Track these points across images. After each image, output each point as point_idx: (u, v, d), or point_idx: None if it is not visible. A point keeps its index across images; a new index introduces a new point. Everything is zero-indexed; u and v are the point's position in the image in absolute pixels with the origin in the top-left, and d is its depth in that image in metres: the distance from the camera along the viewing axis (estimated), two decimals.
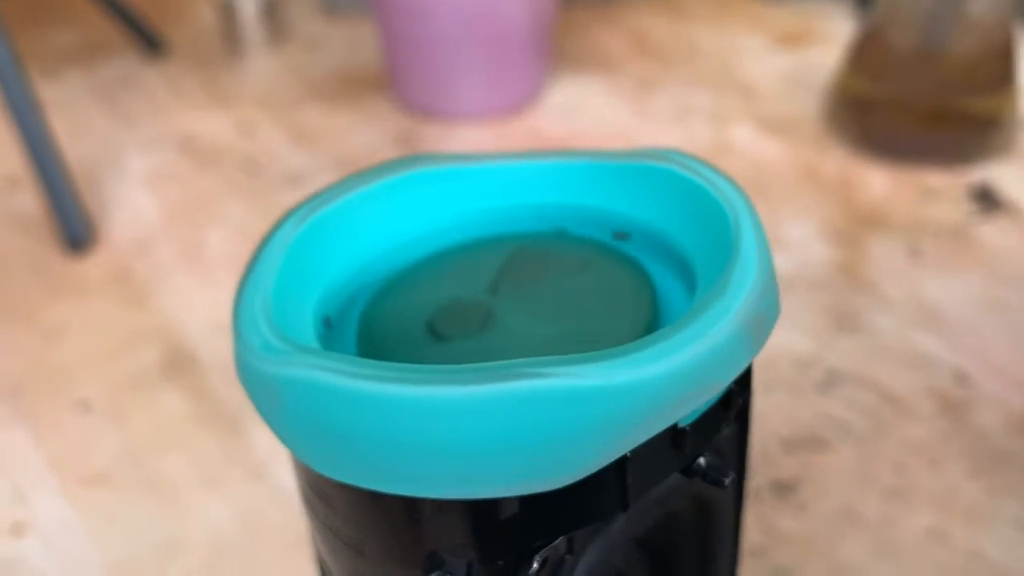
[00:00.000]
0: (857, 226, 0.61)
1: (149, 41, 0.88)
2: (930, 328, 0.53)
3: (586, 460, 0.19)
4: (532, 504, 0.20)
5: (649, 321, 0.22)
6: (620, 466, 0.20)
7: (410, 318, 0.23)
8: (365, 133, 0.74)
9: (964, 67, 0.64)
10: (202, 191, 0.69)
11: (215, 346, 0.55)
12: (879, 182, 0.65)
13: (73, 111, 0.80)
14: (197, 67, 0.86)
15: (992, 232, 0.60)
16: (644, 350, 0.19)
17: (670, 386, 0.19)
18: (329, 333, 0.24)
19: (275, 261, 0.22)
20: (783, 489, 0.44)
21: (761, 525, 0.42)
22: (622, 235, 0.26)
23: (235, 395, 0.51)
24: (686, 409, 0.20)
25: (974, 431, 0.46)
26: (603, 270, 0.24)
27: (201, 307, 0.58)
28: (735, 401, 0.22)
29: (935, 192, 0.64)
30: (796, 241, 0.60)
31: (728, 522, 0.25)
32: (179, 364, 0.54)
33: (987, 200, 0.62)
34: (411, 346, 0.22)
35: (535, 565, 0.20)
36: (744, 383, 0.23)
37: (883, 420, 0.47)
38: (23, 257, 0.63)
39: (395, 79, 0.77)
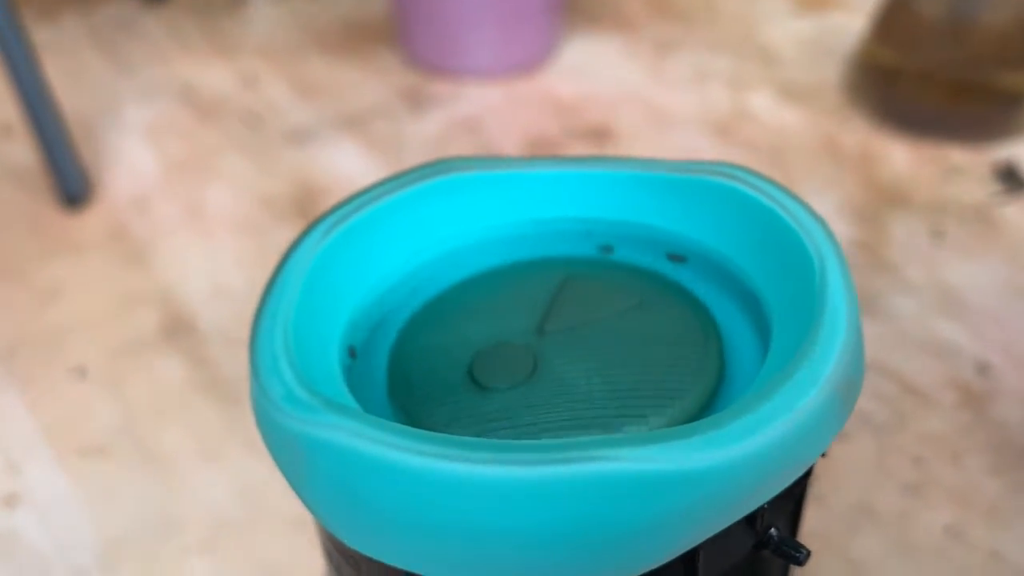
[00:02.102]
0: (878, 203, 0.59)
1: None
2: (952, 315, 0.51)
3: (655, 553, 0.17)
4: None
5: (717, 375, 0.20)
6: (690, 555, 0.18)
7: (449, 360, 0.21)
8: (371, 88, 0.72)
9: (995, 40, 0.62)
10: (202, 145, 0.67)
11: (215, 311, 0.53)
12: (901, 157, 0.63)
13: (69, 56, 0.77)
14: (198, 14, 0.83)
15: (1017, 214, 0.58)
16: (725, 427, 0.16)
17: (756, 468, 0.17)
18: (354, 364, 0.22)
19: (296, 285, 0.20)
20: None
21: None
22: (677, 257, 0.23)
23: (235, 363, 0.50)
24: (771, 491, 0.18)
25: (996, 425, 0.45)
26: (662, 308, 0.22)
27: (201, 269, 0.56)
28: (813, 465, 0.20)
29: (959, 169, 0.62)
30: None
31: (777, 569, 0.24)
32: (178, 329, 0.52)
33: (1012, 179, 0.61)
34: (450, 394, 0.20)
35: None
36: None
37: (903, 411, 0.46)
38: (16, 211, 0.61)
39: (403, 33, 0.75)
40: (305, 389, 0.18)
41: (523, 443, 0.16)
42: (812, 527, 0.41)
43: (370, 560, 0.19)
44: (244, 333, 0.51)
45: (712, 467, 0.16)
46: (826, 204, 0.59)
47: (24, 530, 0.42)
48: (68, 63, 0.76)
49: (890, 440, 0.45)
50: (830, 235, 0.20)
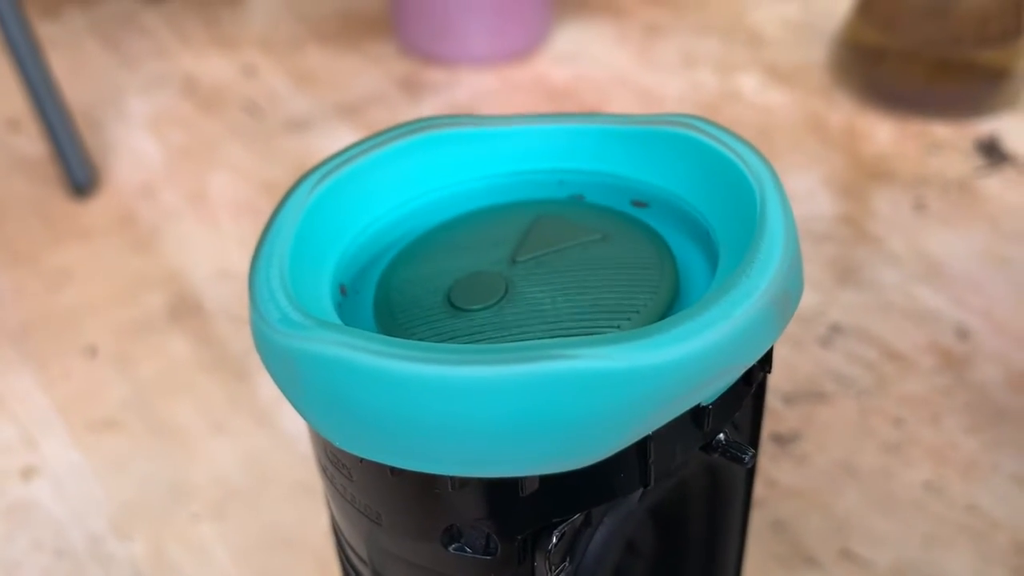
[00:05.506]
0: (862, 178, 0.61)
1: None
2: (933, 283, 0.53)
3: (610, 441, 0.19)
4: (554, 482, 0.20)
5: (671, 295, 0.22)
6: (642, 446, 0.20)
7: (428, 288, 0.23)
8: (367, 77, 0.74)
9: (975, 18, 0.63)
10: (204, 135, 0.68)
11: (220, 292, 0.55)
12: (886, 134, 0.64)
13: (73, 51, 0.79)
14: (198, 7, 0.85)
15: (998, 186, 0.60)
16: (670, 331, 0.19)
17: (696, 367, 0.19)
18: (345, 301, 0.24)
19: (291, 227, 0.22)
20: (783, 441, 0.45)
21: (761, 477, 0.43)
22: (640, 203, 0.25)
23: (241, 341, 0.52)
24: (711, 390, 0.20)
25: (974, 387, 0.47)
26: (623, 241, 0.24)
27: (205, 252, 0.58)
28: (756, 377, 0.22)
29: (942, 145, 0.63)
30: (801, 193, 0.60)
31: (739, 490, 0.26)
32: (185, 310, 0.54)
33: (994, 154, 0.62)
34: (429, 318, 0.22)
35: (554, 539, 0.21)
36: (765, 359, 0.22)
37: (884, 374, 0.48)
38: (26, 201, 0.63)
39: (398, 22, 0.76)
40: (298, 312, 0.20)
41: (490, 346, 0.18)
42: (797, 485, 0.43)
43: (359, 464, 0.21)
44: (248, 313, 0.53)
45: (659, 364, 0.18)
46: (811, 180, 0.61)
47: (41, 500, 0.44)
48: (72, 58, 0.78)
49: (871, 402, 0.46)
50: (772, 172, 0.22)
